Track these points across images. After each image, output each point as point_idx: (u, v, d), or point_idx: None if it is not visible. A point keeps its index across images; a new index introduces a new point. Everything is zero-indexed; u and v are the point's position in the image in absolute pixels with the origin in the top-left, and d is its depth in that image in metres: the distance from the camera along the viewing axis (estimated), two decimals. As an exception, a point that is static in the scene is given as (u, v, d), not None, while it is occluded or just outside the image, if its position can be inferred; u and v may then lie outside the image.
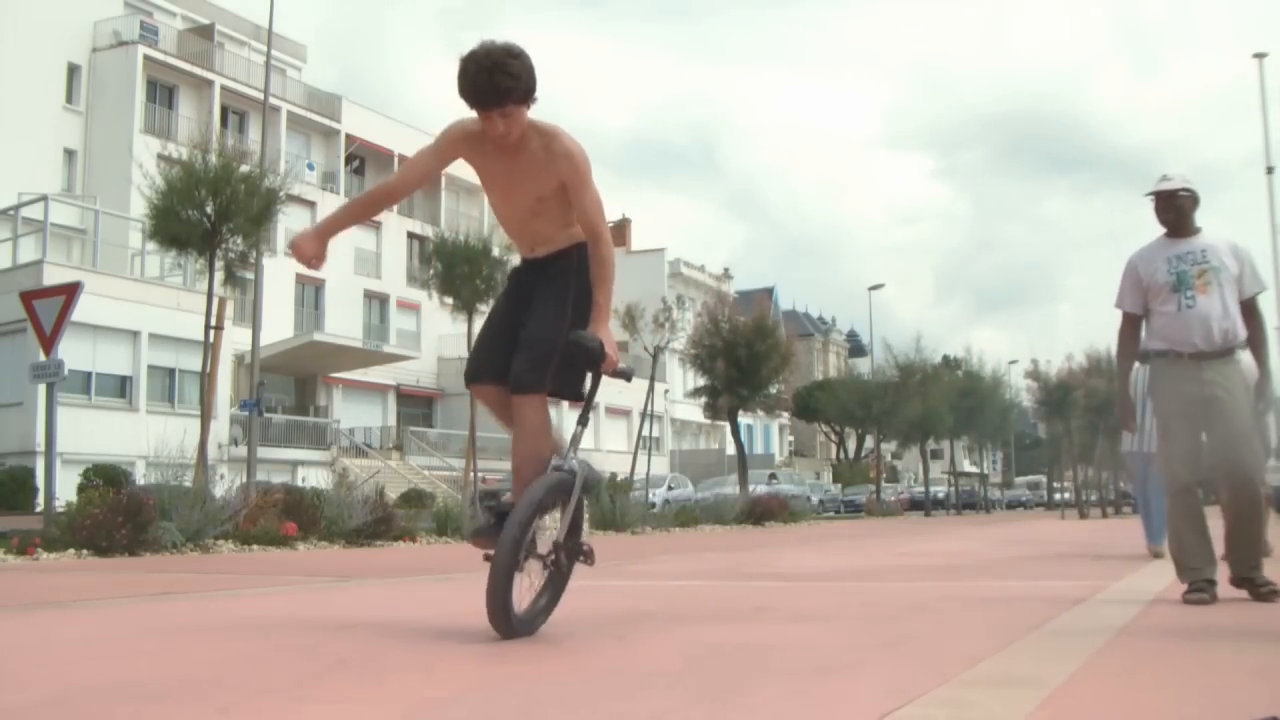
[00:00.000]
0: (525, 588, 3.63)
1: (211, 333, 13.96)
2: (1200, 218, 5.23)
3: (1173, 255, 5.08)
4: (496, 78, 3.44)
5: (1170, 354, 5.04)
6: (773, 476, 38.86)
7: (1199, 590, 4.92)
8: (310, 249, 3.75)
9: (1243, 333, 5.03)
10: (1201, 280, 4.99)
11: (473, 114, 3.57)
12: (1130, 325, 5.24)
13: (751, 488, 28.82)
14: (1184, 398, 4.98)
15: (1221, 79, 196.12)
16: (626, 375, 3.84)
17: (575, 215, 3.65)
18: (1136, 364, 9.93)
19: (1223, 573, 5.11)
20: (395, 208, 42.87)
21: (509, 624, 3.53)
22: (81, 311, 12.95)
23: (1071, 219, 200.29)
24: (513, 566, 3.49)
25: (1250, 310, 5.08)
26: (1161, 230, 5.23)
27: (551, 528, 3.72)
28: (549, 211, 3.69)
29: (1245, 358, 5.11)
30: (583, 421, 3.72)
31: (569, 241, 3.72)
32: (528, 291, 3.75)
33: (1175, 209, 5.11)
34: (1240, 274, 5.04)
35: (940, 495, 48.00)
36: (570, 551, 3.75)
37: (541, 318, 3.62)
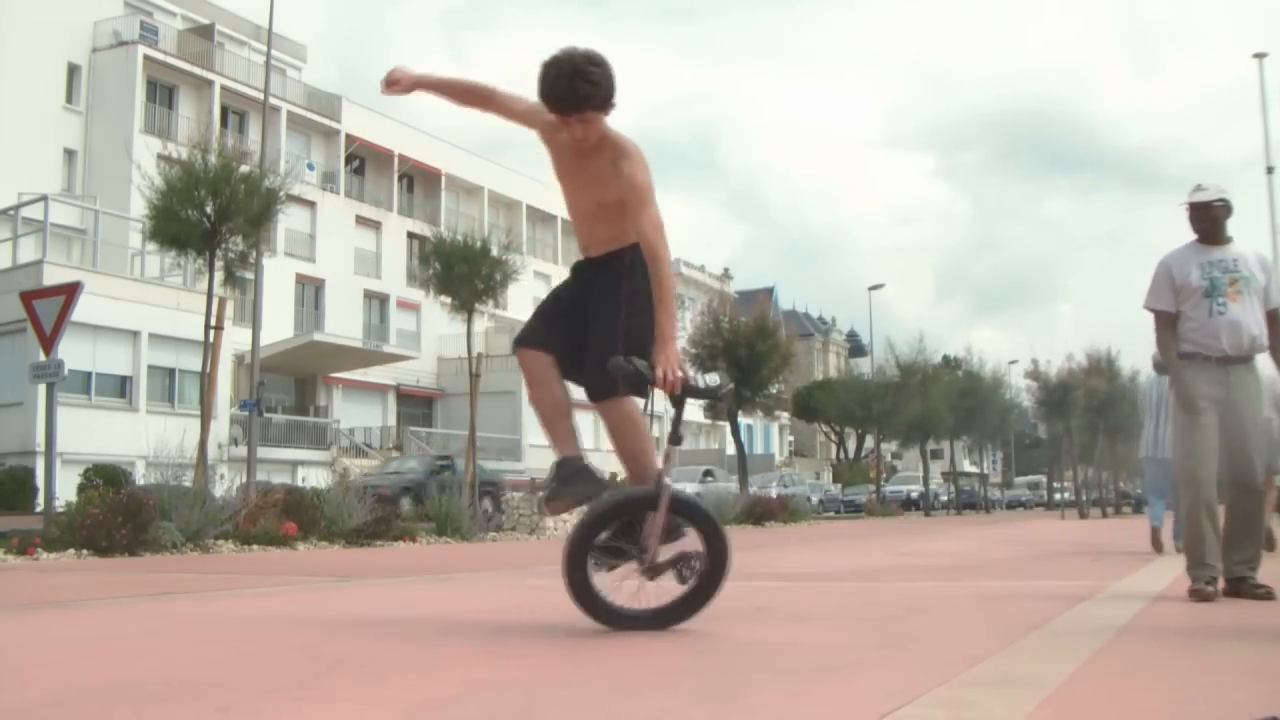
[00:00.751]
0: (633, 586, 3.71)
1: (211, 333, 13.95)
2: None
3: (1205, 261, 5.21)
4: (577, 84, 3.51)
5: (1198, 357, 5.15)
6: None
7: (1208, 585, 4.99)
8: (405, 81, 3.94)
9: (1266, 341, 5.20)
10: (1233, 289, 5.14)
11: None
12: (1168, 324, 5.29)
13: (754, 489, 28.79)
14: (1207, 398, 5.09)
15: (1222, 79, 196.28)
16: (712, 394, 3.76)
17: (634, 233, 3.68)
18: (1153, 373, 10.07)
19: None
20: (395, 207, 42.95)
21: (587, 601, 3.67)
22: (81, 311, 12.95)
23: (1072, 219, 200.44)
24: (575, 552, 3.64)
25: (1273, 320, 5.23)
26: (1193, 236, 5.34)
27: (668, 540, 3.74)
28: (609, 217, 3.75)
29: (1262, 363, 5.28)
30: (674, 440, 3.71)
31: (625, 242, 3.76)
32: (584, 287, 3.85)
33: (1210, 218, 5.25)
34: (1266, 285, 5.22)
35: (941, 496, 48.04)
36: (677, 565, 3.74)
37: (600, 321, 3.70)
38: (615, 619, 3.73)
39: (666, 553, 3.71)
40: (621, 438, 3.77)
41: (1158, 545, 10.15)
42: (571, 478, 3.78)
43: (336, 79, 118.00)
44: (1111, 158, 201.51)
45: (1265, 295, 5.20)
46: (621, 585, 3.72)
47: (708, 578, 3.77)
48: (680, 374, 3.49)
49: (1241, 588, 5.05)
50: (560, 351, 3.79)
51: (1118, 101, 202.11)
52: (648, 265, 3.62)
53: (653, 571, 3.69)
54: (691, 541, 3.75)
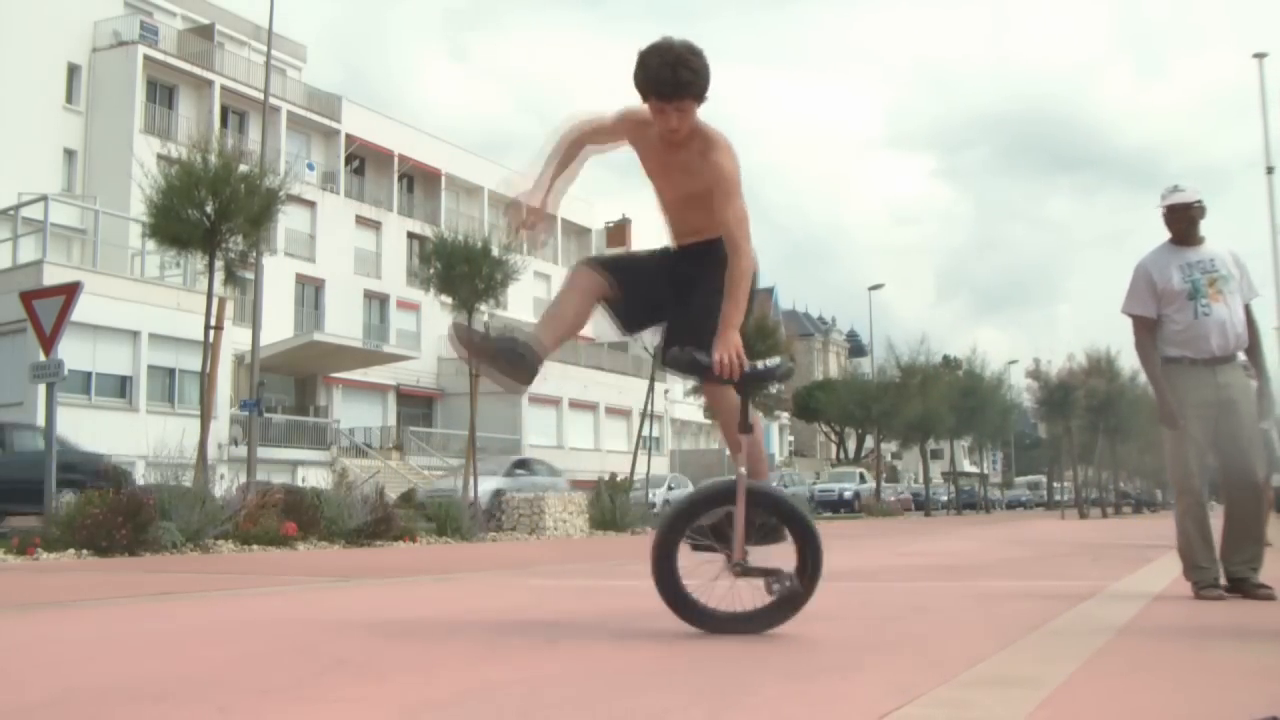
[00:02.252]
0: (725, 588, 3.65)
1: (211, 333, 13.95)
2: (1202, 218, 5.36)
3: (1184, 263, 5.22)
4: (679, 71, 3.54)
5: (1185, 360, 5.15)
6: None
7: (1212, 586, 5.02)
8: (533, 204, 3.87)
9: (1246, 338, 5.20)
10: (1214, 289, 5.15)
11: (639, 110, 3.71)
12: (1147, 329, 5.30)
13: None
14: (1199, 402, 5.09)
15: (1224, 79, 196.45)
16: (772, 375, 3.74)
17: (718, 224, 3.67)
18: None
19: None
20: (395, 207, 42.98)
21: (673, 600, 3.63)
22: (81, 311, 12.94)
23: (1073, 219, 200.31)
24: (664, 544, 3.61)
25: (1248, 317, 5.24)
26: (1166, 237, 5.35)
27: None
28: (700, 205, 3.76)
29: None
30: (744, 430, 3.67)
31: (718, 230, 3.74)
32: (672, 266, 3.88)
33: (1189, 220, 5.25)
34: (1242, 281, 5.24)
35: (941, 496, 47.99)
36: (768, 577, 3.62)
37: (699, 299, 3.71)
38: (705, 620, 3.66)
39: (763, 557, 3.64)
40: (721, 415, 3.80)
41: None
42: (515, 361, 3.65)
43: (341, 79, 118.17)
44: (1113, 158, 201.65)
45: (1242, 292, 5.22)
46: (714, 586, 3.66)
47: (802, 584, 3.65)
48: (739, 360, 3.46)
49: (1244, 587, 5.05)
50: (612, 291, 3.82)
51: (1119, 102, 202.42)
52: (728, 254, 3.60)
53: (742, 571, 3.61)
54: (787, 549, 3.69)
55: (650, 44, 3.62)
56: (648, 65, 3.59)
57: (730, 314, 3.54)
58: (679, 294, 3.83)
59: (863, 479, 41.95)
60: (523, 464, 26.44)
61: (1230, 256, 5.27)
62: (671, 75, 3.55)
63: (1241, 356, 5.24)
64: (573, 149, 4.06)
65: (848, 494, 39.01)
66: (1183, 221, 5.25)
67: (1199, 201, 5.25)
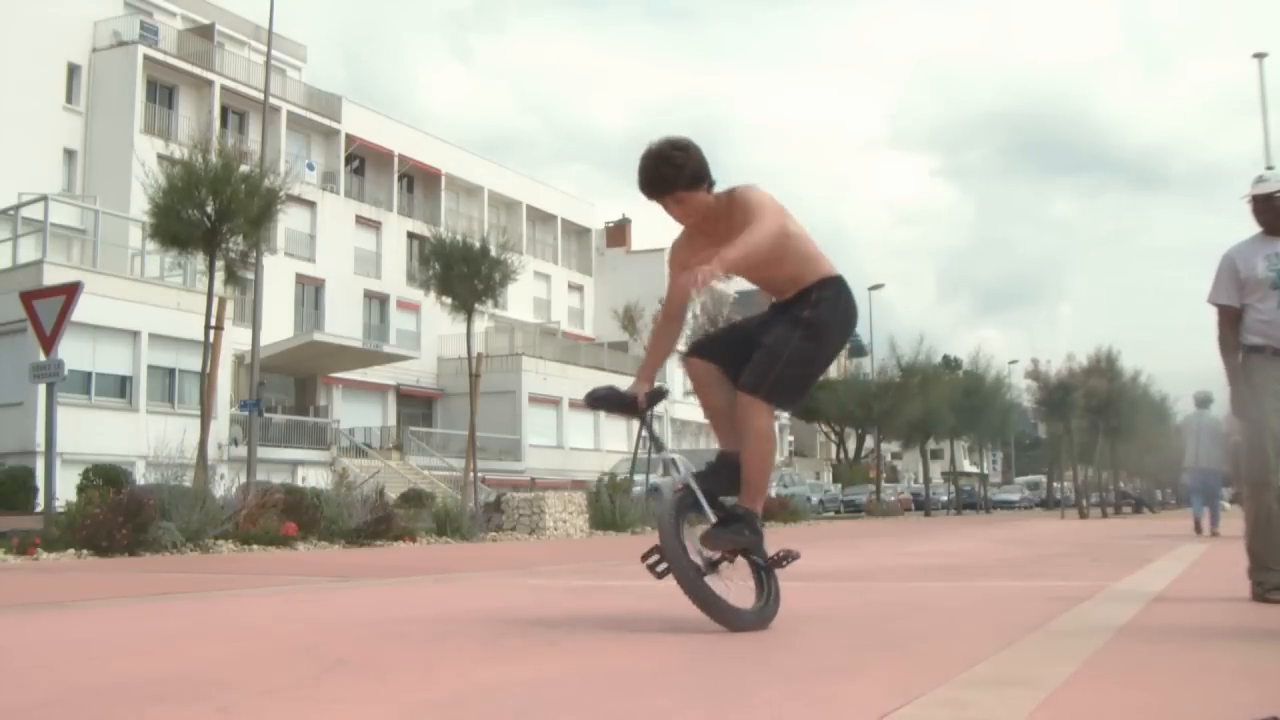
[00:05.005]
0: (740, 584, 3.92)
1: (211, 333, 13.95)
2: (1203, 218, 5.27)
3: (1272, 253, 5.09)
4: (662, 170, 3.82)
5: (1268, 350, 5.02)
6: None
7: (1278, 590, 4.88)
8: (643, 403, 4.05)
9: None
10: None
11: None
12: (1230, 320, 5.17)
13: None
14: (1277, 394, 4.95)
15: (1228, 79, 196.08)
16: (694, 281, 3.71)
17: (750, 219, 3.79)
18: (1193, 407, 10.79)
19: (1240, 565, 5.09)
20: (395, 207, 43.02)
21: (702, 601, 3.76)
22: (81, 311, 12.95)
23: (1076, 220, 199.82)
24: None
25: None
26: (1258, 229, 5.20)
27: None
28: (773, 261, 3.91)
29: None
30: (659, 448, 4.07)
31: (812, 278, 3.97)
32: (770, 319, 4.07)
33: (1273, 210, 5.12)
34: None
35: (941, 496, 47.96)
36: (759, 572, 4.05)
37: (773, 336, 3.91)
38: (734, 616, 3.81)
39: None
40: (754, 440, 3.88)
41: (1199, 529, 14.80)
42: (732, 523, 3.87)
43: (344, 79, 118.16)
44: (1116, 158, 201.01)
45: None
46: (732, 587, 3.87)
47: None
48: (703, 277, 3.57)
49: (1267, 586, 4.92)
50: (723, 363, 4.00)
51: (1123, 101, 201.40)
52: (755, 226, 3.75)
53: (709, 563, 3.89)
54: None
55: (642, 153, 3.86)
56: (639, 171, 3.85)
57: (727, 249, 3.67)
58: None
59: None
60: None
61: None
62: (655, 173, 3.82)
63: None
64: (668, 337, 4.40)
65: (861, 498, 42.66)
66: (1268, 212, 5.13)
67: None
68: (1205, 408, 14.83)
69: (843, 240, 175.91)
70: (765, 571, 3.98)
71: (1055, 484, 50.79)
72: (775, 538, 4.55)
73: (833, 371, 73.13)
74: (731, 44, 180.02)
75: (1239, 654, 3.51)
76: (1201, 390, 15.02)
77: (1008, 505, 56.20)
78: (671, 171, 3.80)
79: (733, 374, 3.93)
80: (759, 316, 4.15)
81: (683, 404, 49.25)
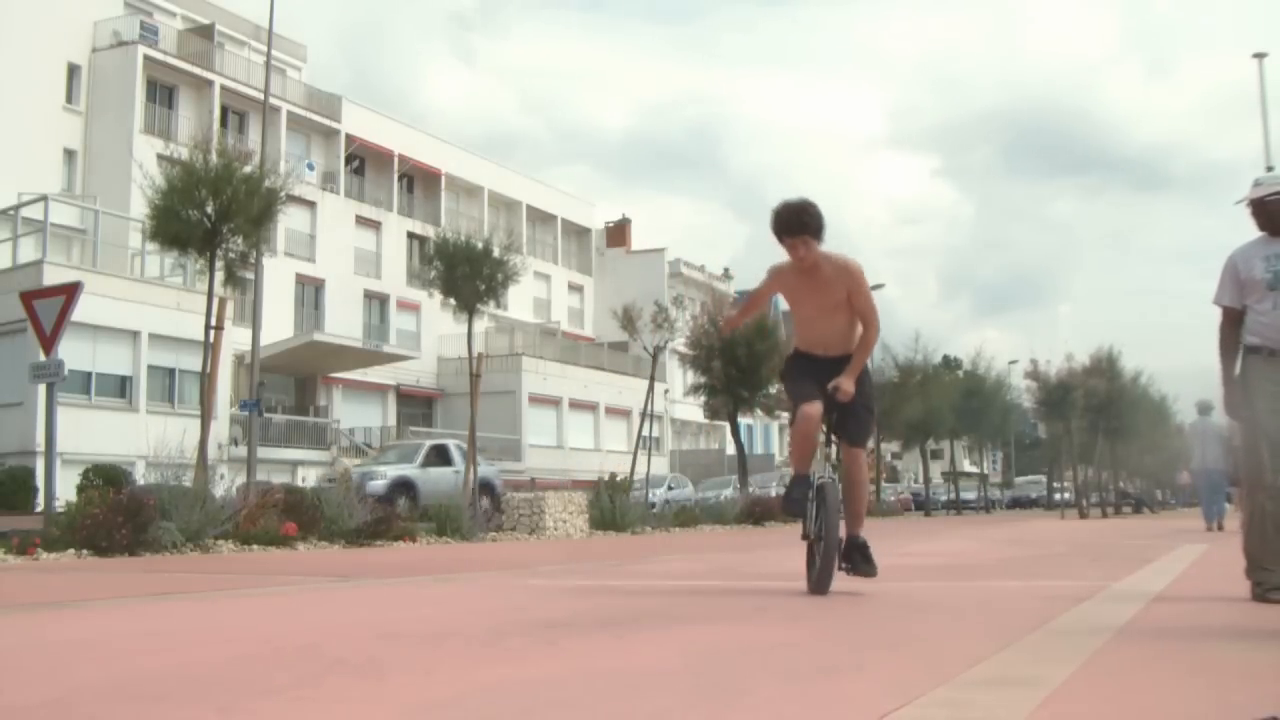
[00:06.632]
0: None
1: (211, 333, 13.95)
2: (1204, 219, 5.28)
3: (1271, 254, 5.10)
4: (802, 217, 5.25)
5: (1264, 351, 5.03)
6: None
7: (1277, 590, 4.87)
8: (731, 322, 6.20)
9: None
10: None
11: (781, 259, 5.40)
12: (1231, 321, 5.19)
13: (754, 489, 28.79)
14: (1276, 394, 4.95)
15: (1230, 79, 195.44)
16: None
17: (855, 309, 5.37)
18: (1196, 415, 11.16)
19: (1240, 565, 5.09)
20: (395, 207, 43.06)
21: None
22: (81, 311, 12.95)
23: (1076, 219, 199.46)
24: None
25: None
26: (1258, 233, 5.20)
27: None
28: (835, 318, 5.40)
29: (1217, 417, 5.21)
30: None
31: (853, 345, 5.44)
32: (827, 375, 5.34)
33: (1266, 214, 5.13)
34: None
35: (941, 496, 47.98)
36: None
37: (863, 400, 5.38)
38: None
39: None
40: (854, 484, 5.53)
41: (1218, 527, 15.63)
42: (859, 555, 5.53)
43: (347, 80, 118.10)
44: (1116, 158, 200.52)
45: None
46: None
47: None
48: (849, 391, 5.25)
49: (1266, 587, 4.91)
50: (823, 408, 5.35)
51: (1123, 102, 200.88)
52: (863, 327, 5.42)
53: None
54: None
55: (781, 203, 5.31)
56: (780, 215, 5.25)
57: (854, 364, 5.33)
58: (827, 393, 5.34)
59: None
60: (440, 451, 23.75)
61: None
62: (796, 219, 5.24)
63: None
64: (755, 302, 6.26)
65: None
66: (1261, 216, 5.14)
67: (1276, 194, 5.10)
68: (1207, 414, 16.38)
69: (843, 240, 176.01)
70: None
71: (1055, 484, 50.80)
72: (775, 537, 4.53)
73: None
74: (732, 44, 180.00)
75: (1239, 654, 3.51)
76: (1203, 399, 16.45)
77: (998, 504, 56.69)
78: (810, 220, 5.24)
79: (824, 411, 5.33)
80: (814, 369, 5.42)
81: (683, 404, 49.30)
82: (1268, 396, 4.99)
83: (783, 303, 5.90)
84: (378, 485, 19.46)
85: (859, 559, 5.42)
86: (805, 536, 5.50)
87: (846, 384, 5.22)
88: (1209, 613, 4.66)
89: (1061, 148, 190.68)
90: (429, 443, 24.98)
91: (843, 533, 5.37)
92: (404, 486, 21.13)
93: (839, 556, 5.30)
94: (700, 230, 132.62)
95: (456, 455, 22.71)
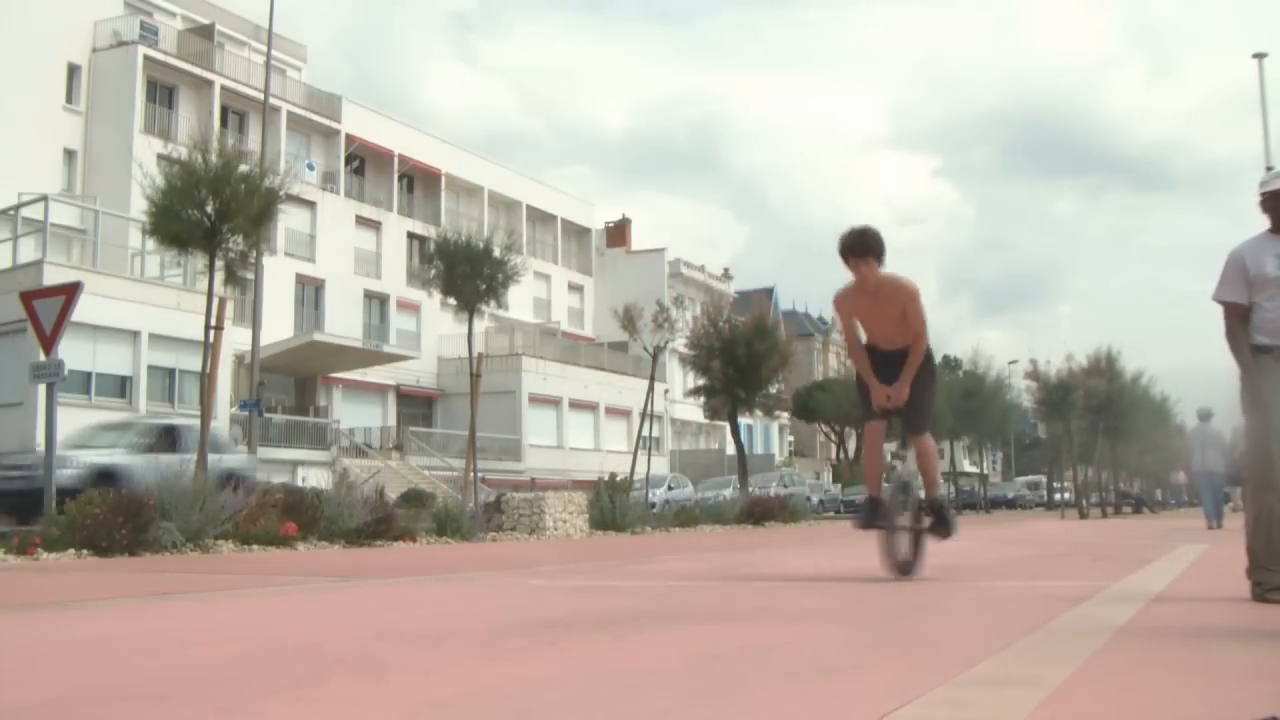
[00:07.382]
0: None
1: (211, 333, 13.94)
2: (1205, 219, 5.23)
3: None
4: (866, 239, 6.03)
5: (1277, 350, 4.96)
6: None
7: (1278, 590, 4.85)
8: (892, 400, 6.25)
9: None
10: None
11: (846, 283, 6.18)
12: (1238, 317, 5.08)
13: (754, 489, 28.80)
14: None
15: (1230, 79, 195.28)
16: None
17: (908, 323, 6.14)
18: (1197, 420, 11.86)
19: (1240, 565, 5.08)
20: (395, 207, 43.07)
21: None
22: (81, 311, 12.94)
23: (1076, 220, 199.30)
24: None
25: None
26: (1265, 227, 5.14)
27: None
28: (898, 326, 6.19)
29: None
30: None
31: (908, 341, 6.21)
32: (889, 365, 6.23)
33: (1277, 209, 5.08)
34: None
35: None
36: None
37: (918, 391, 6.20)
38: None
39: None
40: (924, 459, 6.31)
41: (1219, 525, 16.40)
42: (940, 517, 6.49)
43: (348, 80, 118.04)
44: (1117, 158, 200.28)
45: None
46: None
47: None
48: (896, 397, 6.15)
49: (1267, 586, 4.88)
50: (885, 422, 6.29)
51: (1124, 102, 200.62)
52: (912, 342, 6.18)
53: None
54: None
55: (847, 229, 6.07)
56: (846, 240, 6.02)
57: (905, 373, 6.14)
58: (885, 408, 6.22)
59: None
60: (170, 433, 17.86)
61: None
62: (861, 241, 6.01)
63: None
64: (851, 335, 6.61)
65: (860, 498, 41.90)
66: (1276, 210, 5.07)
67: None
68: (1207, 421, 17.35)
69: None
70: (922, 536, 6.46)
71: (1055, 484, 50.80)
72: (775, 537, 4.54)
73: (833, 372, 73.24)
74: (731, 44, 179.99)
75: (1239, 654, 3.51)
76: (1203, 405, 17.57)
77: (1004, 503, 56.45)
78: (874, 243, 6.01)
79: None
80: (879, 359, 6.26)
81: (683, 404, 49.32)
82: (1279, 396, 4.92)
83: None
84: (68, 474, 14.00)
85: (937, 519, 6.31)
86: (886, 558, 6.32)
87: (898, 392, 6.09)
88: (1209, 613, 4.66)
89: (1062, 148, 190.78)
90: (158, 424, 19.19)
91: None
92: (106, 478, 13.96)
93: (924, 514, 6.26)
94: (700, 230, 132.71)
95: (189, 441, 16.57)
